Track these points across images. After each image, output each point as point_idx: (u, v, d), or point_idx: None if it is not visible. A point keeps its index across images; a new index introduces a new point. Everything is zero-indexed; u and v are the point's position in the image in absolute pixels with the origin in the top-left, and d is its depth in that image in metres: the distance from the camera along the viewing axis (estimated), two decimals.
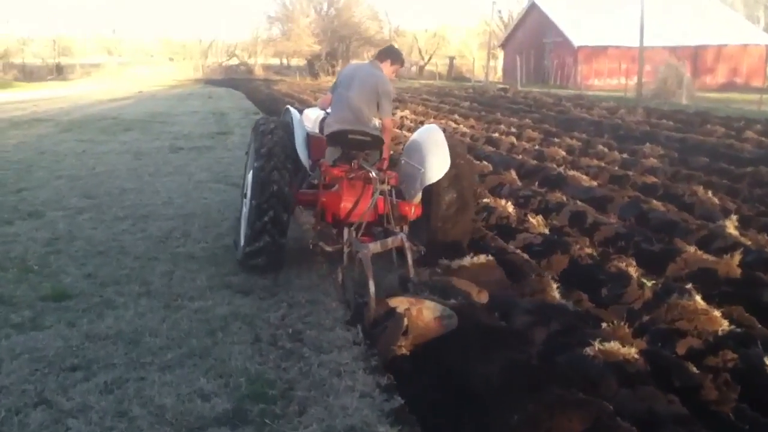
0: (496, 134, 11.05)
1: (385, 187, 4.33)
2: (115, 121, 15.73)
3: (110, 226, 5.92)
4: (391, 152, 5.55)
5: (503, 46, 39.79)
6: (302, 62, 51.78)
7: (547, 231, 5.34)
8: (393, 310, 3.32)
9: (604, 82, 29.27)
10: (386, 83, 4.76)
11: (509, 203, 5.99)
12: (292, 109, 5.33)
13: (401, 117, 14.50)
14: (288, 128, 4.78)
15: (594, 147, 9.30)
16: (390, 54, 4.96)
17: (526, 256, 4.62)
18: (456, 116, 14.33)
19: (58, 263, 4.86)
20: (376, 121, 4.79)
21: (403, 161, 5.00)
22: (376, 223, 4.48)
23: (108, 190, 7.55)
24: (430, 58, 53.22)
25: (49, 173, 8.60)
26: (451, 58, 49.35)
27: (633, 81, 30.75)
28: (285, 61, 56.23)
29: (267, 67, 53.75)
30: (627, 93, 22.16)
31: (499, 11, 52.50)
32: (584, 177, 7.21)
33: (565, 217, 5.72)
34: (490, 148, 9.55)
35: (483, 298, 3.76)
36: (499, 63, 44.12)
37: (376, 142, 4.58)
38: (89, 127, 14.38)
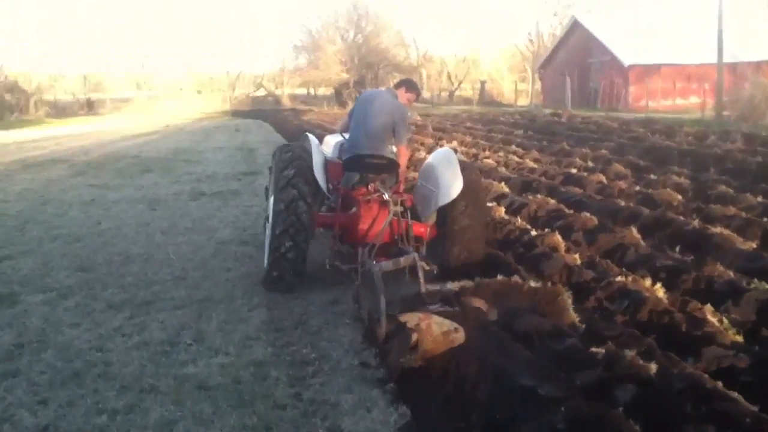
0: (574, 170, 9.23)
1: (398, 209, 4.53)
2: (135, 160, 14.39)
3: (98, 322, 4.30)
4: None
5: (543, 67, 37.93)
6: (329, 91, 51.02)
7: (739, 338, 3.52)
8: (403, 325, 3.37)
9: (658, 103, 27.13)
10: (402, 111, 4.90)
11: (657, 284, 4.17)
12: (310, 136, 5.31)
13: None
14: (307, 154, 4.83)
15: (712, 187, 7.36)
16: (405, 82, 5.26)
17: (739, 398, 2.78)
18: (513, 147, 12.56)
19: (8, 400, 3.24)
20: (393, 148, 4.99)
21: (418, 183, 5.10)
22: (392, 244, 4.61)
23: (108, 257, 5.97)
24: (460, 84, 51.88)
25: (45, 232, 7.09)
26: (483, 83, 47.89)
27: (689, 101, 28.77)
28: (312, 91, 55.54)
29: (294, 97, 53.15)
30: (704, 114, 19.76)
31: (529, 33, 51.12)
32: (733, 234, 5.31)
33: (750, 309, 3.86)
34: (577, 189, 7.74)
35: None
36: (531, 86, 42.40)
37: (392, 166, 4.74)
38: (105, 168, 13.02)
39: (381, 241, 4.46)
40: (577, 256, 4.86)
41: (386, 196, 4.54)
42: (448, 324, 3.37)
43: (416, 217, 4.84)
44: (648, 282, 4.19)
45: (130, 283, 5.13)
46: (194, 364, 3.61)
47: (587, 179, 8.39)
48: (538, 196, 7.17)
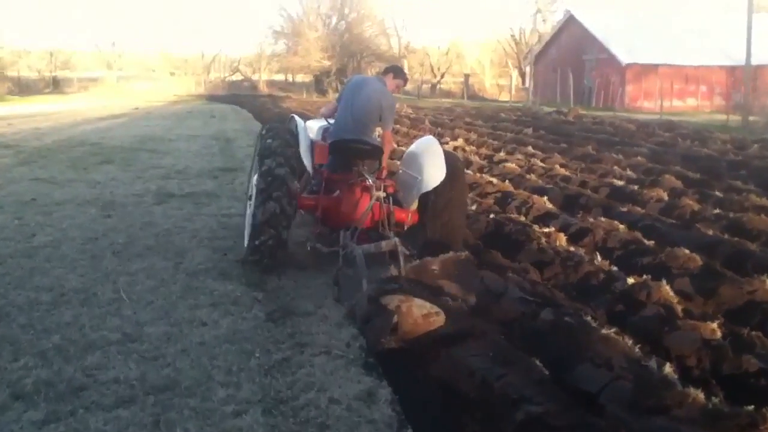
0: (618, 181, 7.80)
1: (381, 194, 4.60)
2: (94, 148, 12.48)
3: None
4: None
5: (533, 63, 36.56)
6: (308, 78, 49.11)
7: None
8: (384, 306, 3.40)
9: (655, 104, 26.03)
10: (389, 98, 5.02)
11: None
12: (296, 117, 5.34)
13: (455, 148, 11.28)
14: (292, 136, 4.94)
15: None
16: (393, 69, 5.29)
17: None
18: (530, 149, 11.06)
19: None
20: (377, 133, 5.16)
21: (401, 170, 5.17)
22: (373, 229, 4.68)
23: (34, 294, 4.26)
24: (442, 76, 50.45)
25: None
26: (467, 76, 46.54)
27: (686, 103, 27.81)
28: (290, 77, 53.50)
29: (271, 83, 51.20)
30: (729, 118, 18.50)
31: (510, 28, 49.81)
32: None
33: None
34: (637, 209, 6.29)
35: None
36: (513, 82, 41.18)
37: (376, 152, 4.85)
38: (57, 157, 11.12)
39: (363, 225, 4.55)
40: (715, 326, 3.36)
41: (369, 181, 4.62)
42: (428, 307, 3.41)
43: (398, 203, 4.90)
44: None
45: (55, 347, 3.45)
46: None
47: (643, 195, 6.94)
48: (602, 219, 5.67)
